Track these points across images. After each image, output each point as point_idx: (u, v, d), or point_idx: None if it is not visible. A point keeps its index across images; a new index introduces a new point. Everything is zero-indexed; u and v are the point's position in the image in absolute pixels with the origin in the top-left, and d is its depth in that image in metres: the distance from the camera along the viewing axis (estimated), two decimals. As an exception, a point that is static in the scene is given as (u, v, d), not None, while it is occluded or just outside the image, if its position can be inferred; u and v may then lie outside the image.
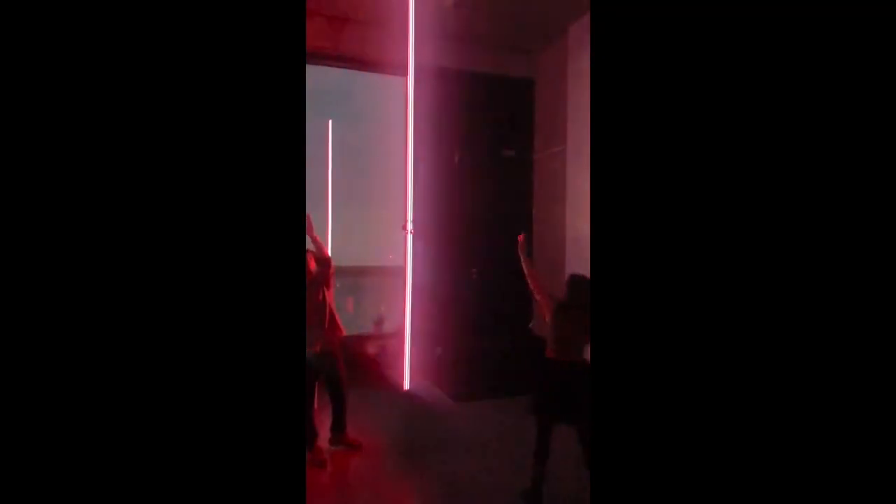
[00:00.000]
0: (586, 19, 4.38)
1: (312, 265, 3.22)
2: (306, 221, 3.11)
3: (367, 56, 4.61)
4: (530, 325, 4.85)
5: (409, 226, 4.14)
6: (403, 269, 4.20)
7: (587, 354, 2.59)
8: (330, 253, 3.34)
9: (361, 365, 4.67)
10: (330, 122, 4.48)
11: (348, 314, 5.04)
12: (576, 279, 2.70)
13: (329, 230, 4.31)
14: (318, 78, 4.80)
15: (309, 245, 3.21)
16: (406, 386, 4.15)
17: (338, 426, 3.34)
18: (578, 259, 2.86)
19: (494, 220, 4.71)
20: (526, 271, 2.77)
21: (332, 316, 3.26)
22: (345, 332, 3.36)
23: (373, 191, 5.03)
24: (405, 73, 4.07)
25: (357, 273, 5.45)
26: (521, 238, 2.80)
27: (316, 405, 3.37)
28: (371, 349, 4.83)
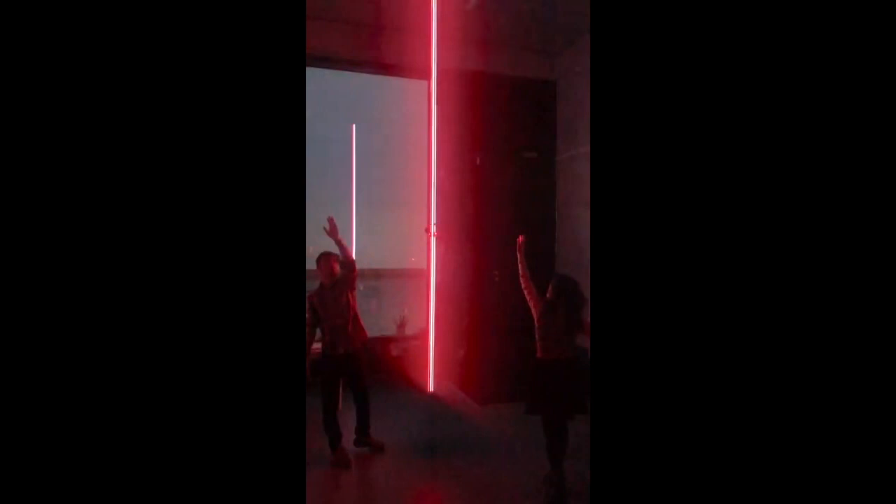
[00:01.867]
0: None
1: (336, 269, 3.26)
2: (330, 224, 3.16)
3: (389, 60, 4.65)
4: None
5: (432, 228, 4.15)
6: (426, 271, 4.22)
7: (572, 351, 2.75)
8: (354, 256, 3.37)
9: (385, 366, 4.71)
10: (353, 126, 4.54)
11: (371, 316, 5.09)
12: (561, 278, 2.86)
13: (353, 233, 4.37)
14: (341, 83, 4.87)
15: (326, 248, 3.26)
16: (430, 388, 4.16)
17: (361, 427, 3.37)
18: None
19: (517, 222, 4.70)
20: (521, 272, 2.88)
21: (356, 318, 3.30)
22: (368, 334, 3.40)
23: (396, 194, 5.08)
24: (428, 77, 4.10)
25: (380, 275, 5.50)
26: (521, 239, 2.90)
27: (340, 406, 3.41)
28: (394, 351, 4.86)
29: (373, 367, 3.48)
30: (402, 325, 5.18)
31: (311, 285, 3.23)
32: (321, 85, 4.60)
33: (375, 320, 5.05)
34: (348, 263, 3.25)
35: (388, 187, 5.14)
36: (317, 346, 3.31)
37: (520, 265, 2.88)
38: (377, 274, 5.49)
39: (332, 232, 3.17)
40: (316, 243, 3.44)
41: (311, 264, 3.09)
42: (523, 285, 2.87)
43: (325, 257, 3.26)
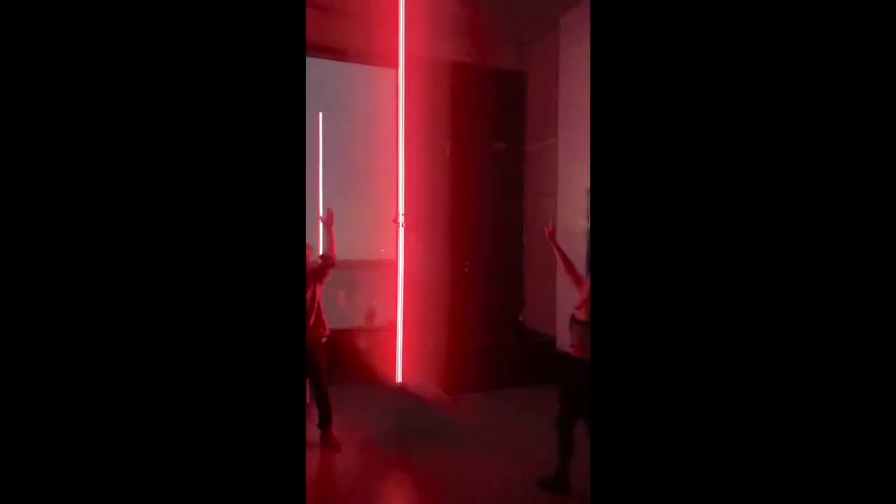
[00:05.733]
0: (578, 11, 4.35)
1: (308, 260, 3.21)
2: (329, 215, 3.20)
3: (356, 47, 4.55)
4: (520, 316, 4.87)
5: (401, 219, 4.11)
6: (395, 262, 4.18)
7: None
8: (324, 248, 3.33)
9: (353, 358, 4.66)
10: (320, 115, 4.44)
11: (339, 308, 5.03)
12: None
13: (320, 224, 4.27)
14: (307, 70, 4.73)
15: (308, 238, 3.20)
16: (398, 378, 4.15)
17: (323, 423, 3.32)
18: (570, 252, 2.88)
19: (486, 212, 4.71)
20: (566, 266, 2.74)
21: (319, 311, 3.26)
22: (329, 329, 3.34)
23: (363, 184, 5.00)
24: (395, 65, 4.03)
25: (348, 266, 5.41)
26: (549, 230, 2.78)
27: (309, 400, 3.37)
28: (362, 342, 4.82)
29: (341, 359, 3.44)
30: (370, 317, 5.14)
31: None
32: (286, 71, 4.45)
33: (343, 312, 4.99)
34: (329, 258, 3.22)
35: (355, 177, 5.06)
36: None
37: (563, 261, 2.72)
38: (346, 265, 5.41)
39: (329, 222, 3.20)
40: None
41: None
42: (573, 279, 2.68)
43: None
